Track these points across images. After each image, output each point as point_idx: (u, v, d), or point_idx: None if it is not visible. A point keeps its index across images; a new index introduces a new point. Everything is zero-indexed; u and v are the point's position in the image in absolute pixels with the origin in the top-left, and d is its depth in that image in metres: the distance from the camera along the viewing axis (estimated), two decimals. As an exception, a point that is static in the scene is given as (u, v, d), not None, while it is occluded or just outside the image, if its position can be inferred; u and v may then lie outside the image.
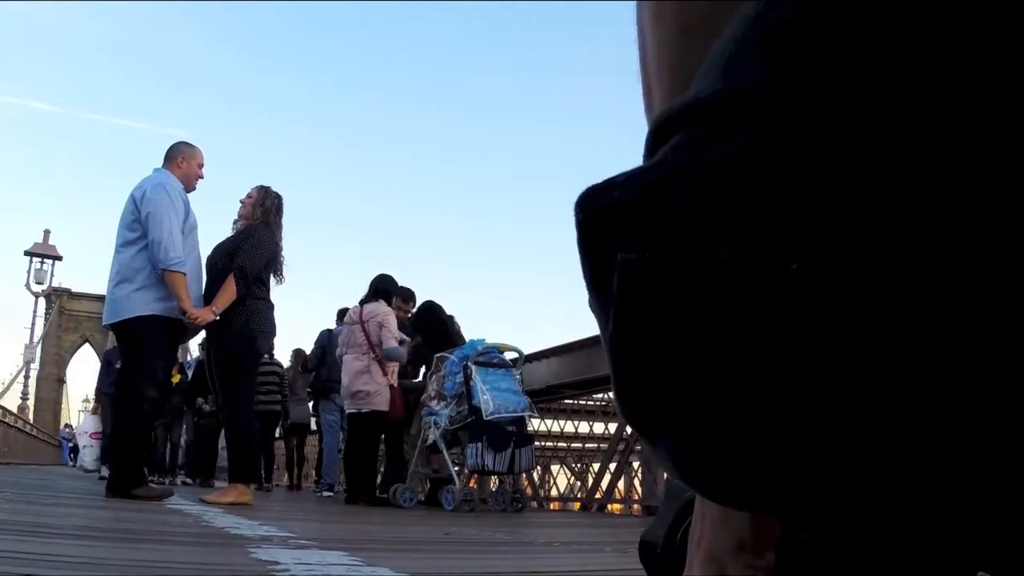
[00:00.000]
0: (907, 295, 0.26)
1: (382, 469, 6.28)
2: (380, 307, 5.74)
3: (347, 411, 5.90)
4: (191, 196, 4.49)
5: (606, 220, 0.33)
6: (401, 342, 5.80)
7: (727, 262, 0.28)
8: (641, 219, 0.31)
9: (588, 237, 0.34)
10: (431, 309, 6.16)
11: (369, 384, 5.58)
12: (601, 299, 0.33)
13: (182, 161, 4.48)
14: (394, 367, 5.78)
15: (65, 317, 37.25)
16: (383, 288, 5.92)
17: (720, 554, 0.48)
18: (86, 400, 40.19)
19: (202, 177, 4.59)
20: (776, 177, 0.28)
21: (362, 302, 5.84)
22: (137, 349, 4.17)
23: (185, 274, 4.20)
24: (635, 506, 6.01)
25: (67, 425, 29.32)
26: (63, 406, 37.85)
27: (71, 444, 24.65)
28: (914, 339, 0.26)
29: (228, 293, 4.36)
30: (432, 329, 6.02)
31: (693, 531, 0.52)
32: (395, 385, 5.73)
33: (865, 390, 0.27)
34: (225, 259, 4.49)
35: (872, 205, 0.26)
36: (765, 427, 0.29)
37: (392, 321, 5.72)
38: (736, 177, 0.29)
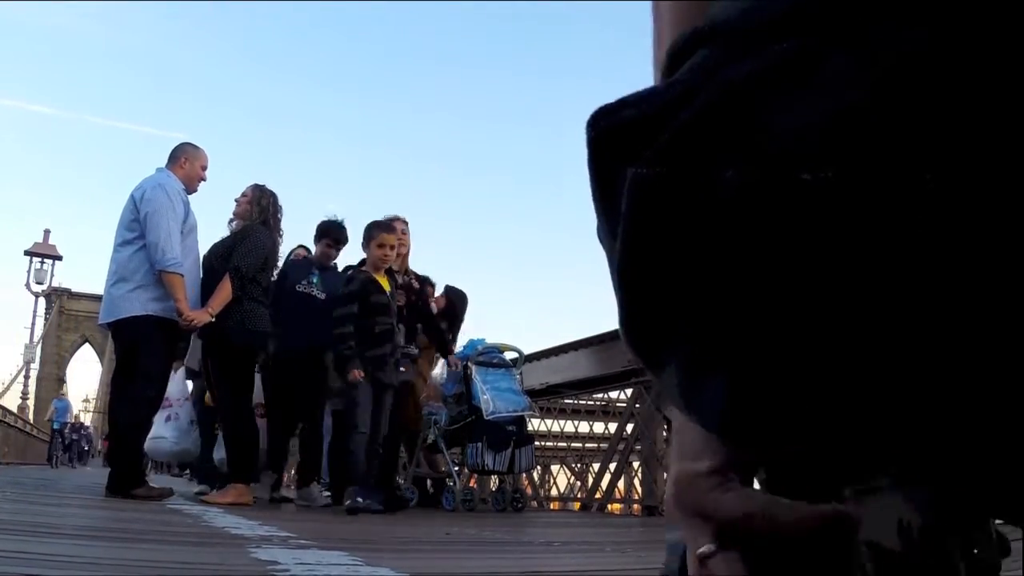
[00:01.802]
0: (923, 220, 0.25)
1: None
2: None
3: (334, 408, 5.81)
4: (192, 197, 4.48)
5: (617, 137, 0.32)
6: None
7: (735, 181, 0.28)
8: (652, 136, 0.30)
9: (598, 154, 0.33)
10: (465, 299, 6.06)
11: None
12: (610, 220, 0.33)
13: (185, 162, 4.47)
14: None
15: (65, 317, 37.26)
16: None
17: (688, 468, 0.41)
18: (86, 400, 40.18)
19: (204, 179, 4.58)
20: (804, 95, 0.27)
21: None
22: (133, 349, 4.16)
23: (182, 275, 4.19)
24: (635, 506, 6.00)
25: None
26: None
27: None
28: (920, 257, 0.25)
29: (223, 294, 4.35)
30: (457, 309, 5.93)
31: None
32: None
33: (868, 312, 0.26)
34: (221, 260, 4.48)
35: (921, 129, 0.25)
36: (772, 343, 0.28)
37: None
38: (751, 96, 0.28)
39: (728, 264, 0.28)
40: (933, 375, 0.26)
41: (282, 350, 4.85)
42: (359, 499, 4.16)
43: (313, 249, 5.30)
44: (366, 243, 4.59)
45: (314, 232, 5.22)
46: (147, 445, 4.91)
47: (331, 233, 5.15)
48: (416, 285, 5.16)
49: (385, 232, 4.60)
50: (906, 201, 0.25)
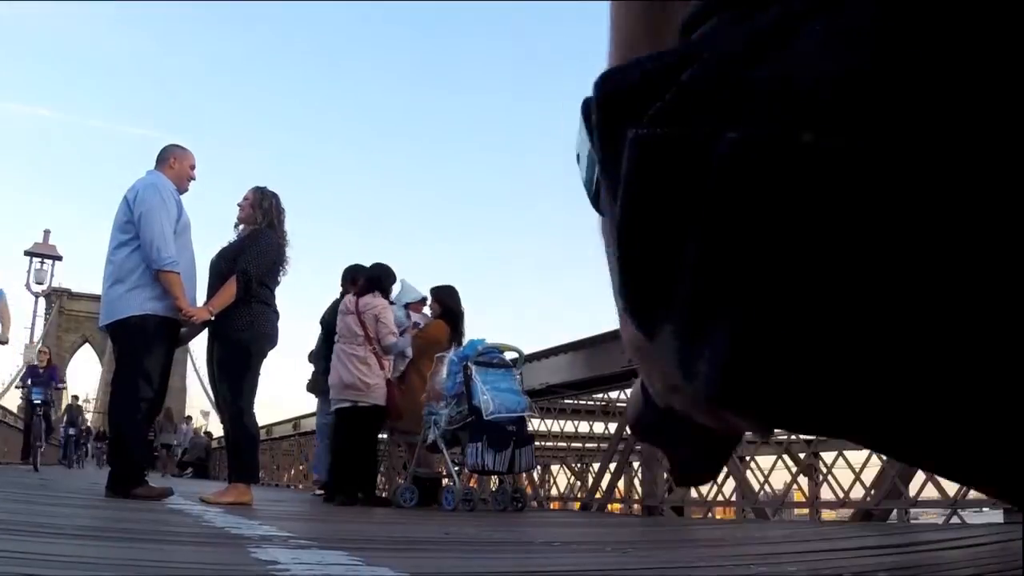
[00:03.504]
0: (919, 179, 0.25)
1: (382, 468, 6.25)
2: (376, 300, 5.66)
3: (337, 406, 5.68)
4: (183, 197, 4.49)
5: (621, 99, 0.33)
6: (402, 333, 5.75)
7: (733, 141, 0.28)
8: (654, 98, 0.31)
9: (603, 115, 0.34)
10: (455, 292, 6.10)
11: (368, 376, 5.52)
12: (612, 181, 0.33)
13: (174, 162, 4.50)
14: (391, 361, 5.74)
15: (65, 317, 37.28)
16: (377, 278, 5.79)
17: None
18: (86, 400, 40.20)
19: (194, 179, 4.62)
20: (805, 56, 0.27)
21: (357, 294, 5.76)
22: (133, 349, 4.17)
23: (179, 273, 4.21)
24: (635, 506, 5.99)
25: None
26: (63, 406, 37.78)
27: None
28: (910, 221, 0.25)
29: (227, 294, 4.36)
30: (452, 304, 5.97)
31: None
32: (391, 379, 5.70)
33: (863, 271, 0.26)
34: (228, 262, 4.49)
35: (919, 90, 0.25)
36: (768, 306, 0.28)
37: (389, 316, 5.64)
38: (752, 58, 0.29)
39: (726, 225, 0.28)
40: (942, 352, 0.26)
41: None
42: None
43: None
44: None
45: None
46: None
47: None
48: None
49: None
50: (897, 163, 0.25)
